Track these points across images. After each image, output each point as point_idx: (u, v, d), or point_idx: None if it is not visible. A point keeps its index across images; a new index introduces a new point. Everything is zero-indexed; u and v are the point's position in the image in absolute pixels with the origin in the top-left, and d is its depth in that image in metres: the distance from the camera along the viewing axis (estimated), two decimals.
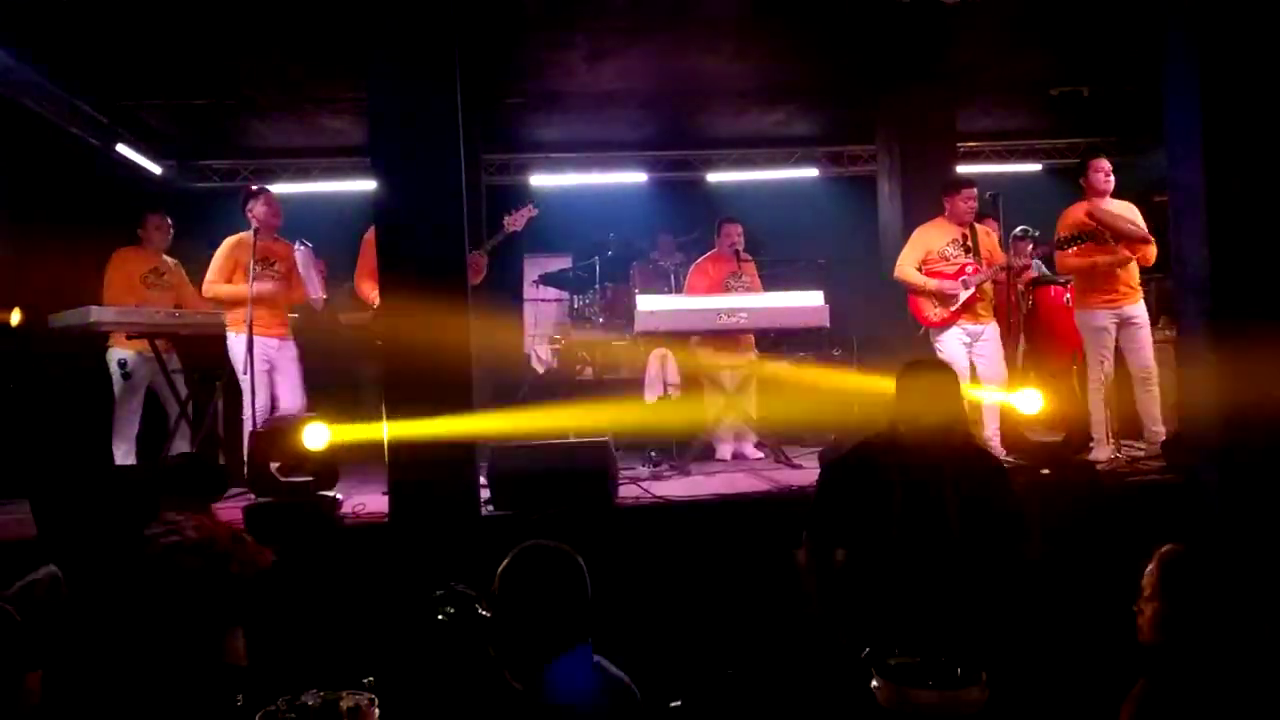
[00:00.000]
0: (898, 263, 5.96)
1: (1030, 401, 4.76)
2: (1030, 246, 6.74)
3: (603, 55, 6.70)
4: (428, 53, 4.22)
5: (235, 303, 5.54)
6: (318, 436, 4.28)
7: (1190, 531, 3.98)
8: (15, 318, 5.28)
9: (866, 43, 6.67)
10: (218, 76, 6.84)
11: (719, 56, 6.86)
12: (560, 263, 8.32)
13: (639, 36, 6.37)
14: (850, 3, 5.95)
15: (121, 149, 7.59)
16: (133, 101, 7.29)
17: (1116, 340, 5.62)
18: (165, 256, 6.13)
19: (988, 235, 5.95)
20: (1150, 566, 2.34)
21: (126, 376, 5.78)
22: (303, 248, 5.63)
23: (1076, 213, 5.66)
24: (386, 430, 4.28)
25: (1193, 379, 4.32)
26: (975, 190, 5.90)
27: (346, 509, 4.57)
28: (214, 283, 5.64)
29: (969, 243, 5.80)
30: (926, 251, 5.87)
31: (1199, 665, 2.17)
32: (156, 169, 8.20)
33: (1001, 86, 7.80)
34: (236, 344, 5.48)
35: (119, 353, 5.78)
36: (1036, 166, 9.47)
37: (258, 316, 5.38)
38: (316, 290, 5.67)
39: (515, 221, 5.91)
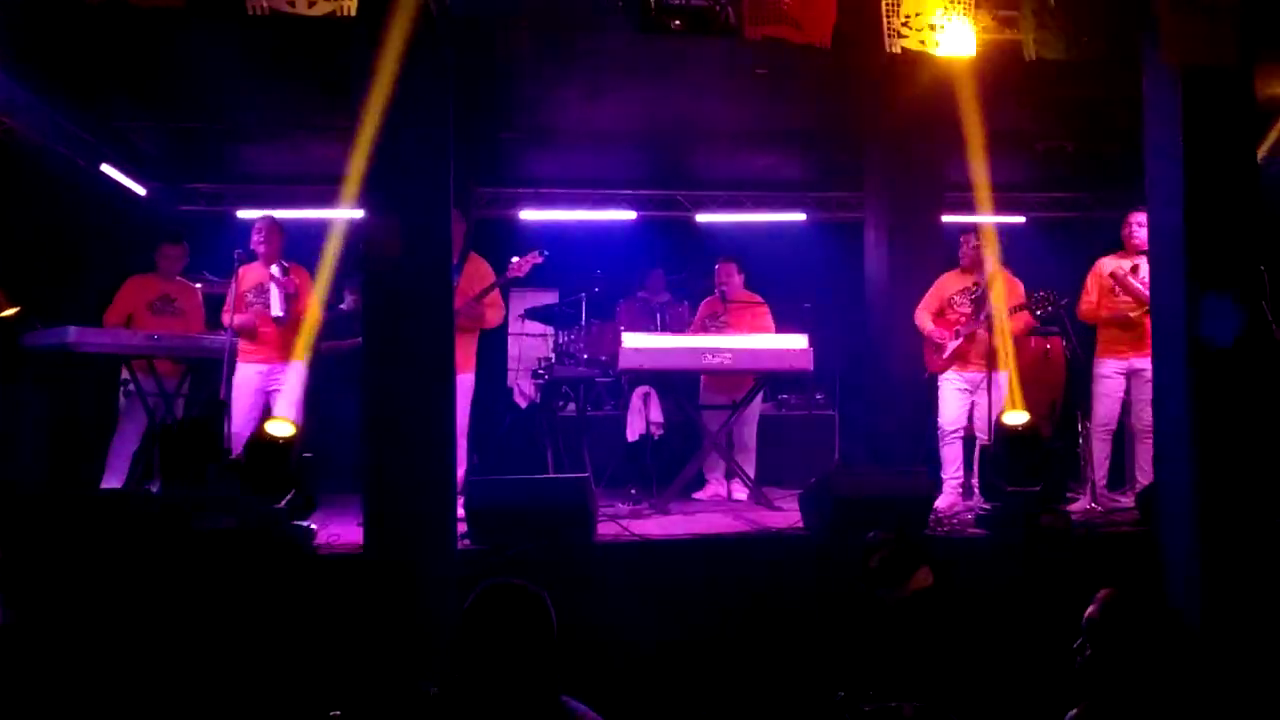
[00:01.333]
0: (918, 307, 6.19)
1: (1016, 417, 4.93)
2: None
3: (598, 94, 6.76)
4: (420, 84, 4.23)
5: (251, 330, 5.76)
6: (281, 428, 4.36)
7: (1150, 580, 4.02)
8: (9, 311, 5.38)
9: (856, 91, 6.76)
10: (208, 100, 6.84)
11: (712, 99, 6.93)
12: (547, 297, 8.32)
13: (635, 77, 6.43)
14: (841, 52, 6.02)
15: (107, 169, 7.56)
16: (121, 123, 7.29)
17: (1126, 391, 5.69)
18: (180, 281, 6.20)
19: (1005, 283, 5.94)
20: (1090, 609, 2.38)
21: (128, 396, 5.81)
22: (278, 270, 5.69)
23: (1103, 267, 5.80)
24: (365, 460, 4.24)
25: (1167, 433, 4.35)
26: (973, 236, 6.02)
27: (321, 539, 4.52)
28: (228, 313, 5.74)
29: (977, 293, 5.88)
30: (941, 299, 6.06)
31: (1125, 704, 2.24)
32: (142, 190, 8.16)
33: (988, 138, 7.90)
34: (241, 371, 5.66)
35: (125, 373, 5.83)
36: (1022, 218, 9.57)
37: (250, 347, 5.60)
38: (277, 308, 5.70)
39: (520, 267, 5.92)
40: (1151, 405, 5.29)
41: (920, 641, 3.01)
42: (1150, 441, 5.50)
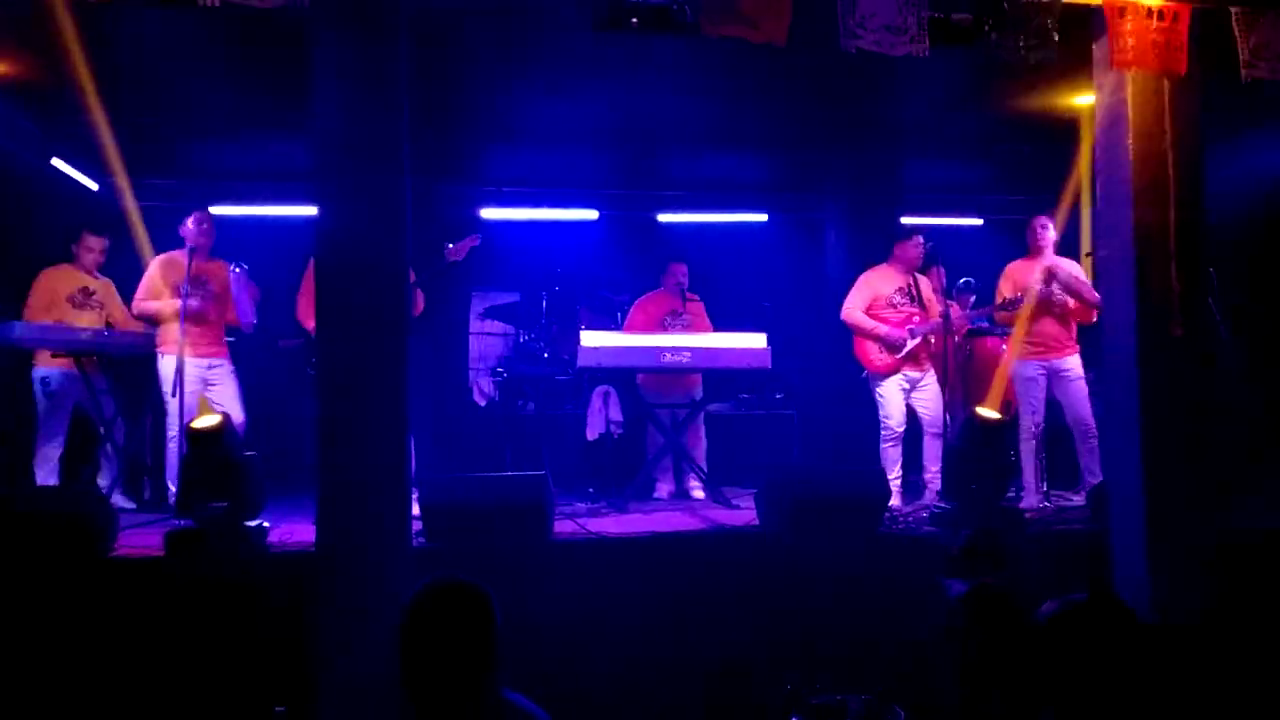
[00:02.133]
0: (845, 305, 6.10)
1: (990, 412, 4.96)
2: (972, 299, 6.94)
3: (558, 91, 6.74)
4: (376, 79, 4.19)
5: (164, 321, 5.44)
6: (204, 420, 4.30)
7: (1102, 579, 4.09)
8: None
9: (818, 93, 6.80)
10: (161, 94, 6.72)
11: (674, 99, 6.94)
12: (507, 297, 8.30)
13: (596, 75, 6.42)
14: (803, 53, 6.07)
15: (57, 163, 7.40)
16: (71, 116, 7.13)
17: (1050, 393, 5.76)
18: (98, 275, 6.01)
19: (927, 284, 6.09)
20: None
21: (50, 395, 5.63)
22: (238, 270, 5.56)
23: (1027, 270, 5.81)
24: (318, 457, 4.19)
25: (1116, 434, 4.42)
26: (923, 239, 6.06)
27: (274, 537, 4.47)
28: (142, 300, 5.56)
29: (913, 291, 5.95)
30: (874, 297, 6.02)
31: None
32: (94, 185, 8.01)
33: (947, 141, 7.99)
34: (165, 365, 5.39)
35: (42, 370, 5.65)
36: (979, 220, 9.68)
37: (190, 336, 5.33)
38: (248, 315, 5.61)
39: (457, 251, 5.85)
40: (1102, 404, 5.42)
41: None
42: (1094, 442, 5.61)
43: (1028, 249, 5.96)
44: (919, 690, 2.64)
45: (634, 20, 3.92)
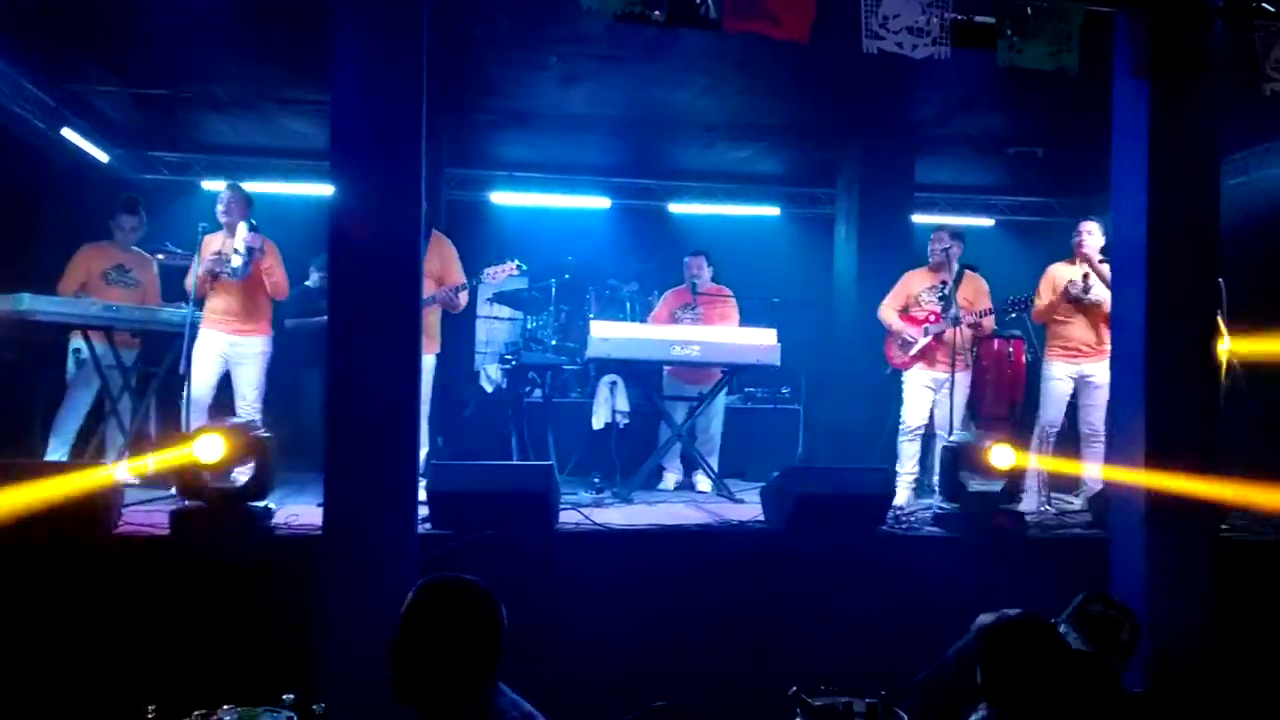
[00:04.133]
0: (882, 303, 6.20)
1: (1003, 457, 4.83)
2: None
3: (575, 79, 6.72)
4: (395, 62, 4.18)
5: (200, 296, 5.55)
6: (209, 449, 4.14)
7: (1107, 587, 4.09)
8: None
9: (834, 89, 6.78)
10: (176, 67, 6.69)
11: (690, 90, 6.92)
12: (516, 282, 8.28)
13: (612, 64, 6.40)
14: (820, 50, 6.05)
15: (68, 134, 7.39)
16: (84, 86, 7.11)
17: (1074, 397, 5.77)
18: (137, 251, 6.07)
19: (971, 283, 6.06)
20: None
21: (80, 365, 5.68)
22: (244, 225, 5.53)
23: (1066, 273, 5.82)
24: (327, 440, 4.19)
25: (1121, 439, 4.43)
26: (944, 234, 6.06)
27: (280, 519, 4.48)
28: (189, 276, 5.62)
29: (945, 290, 5.94)
30: (908, 296, 6.10)
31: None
32: (104, 157, 7.99)
33: (960, 141, 7.97)
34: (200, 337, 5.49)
35: (77, 342, 5.69)
36: (990, 220, 9.67)
37: (212, 310, 5.45)
38: (237, 260, 5.51)
39: (495, 275, 5.87)
40: (1105, 411, 5.41)
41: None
42: (1098, 446, 5.60)
43: (1071, 252, 5.93)
44: (926, 696, 2.64)
45: (656, 13, 3.89)
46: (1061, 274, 5.86)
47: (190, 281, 5.58)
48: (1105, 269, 5.74)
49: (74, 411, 5.72)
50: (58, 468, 5.05)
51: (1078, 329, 5.78)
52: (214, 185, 8.13)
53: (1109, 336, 5.72)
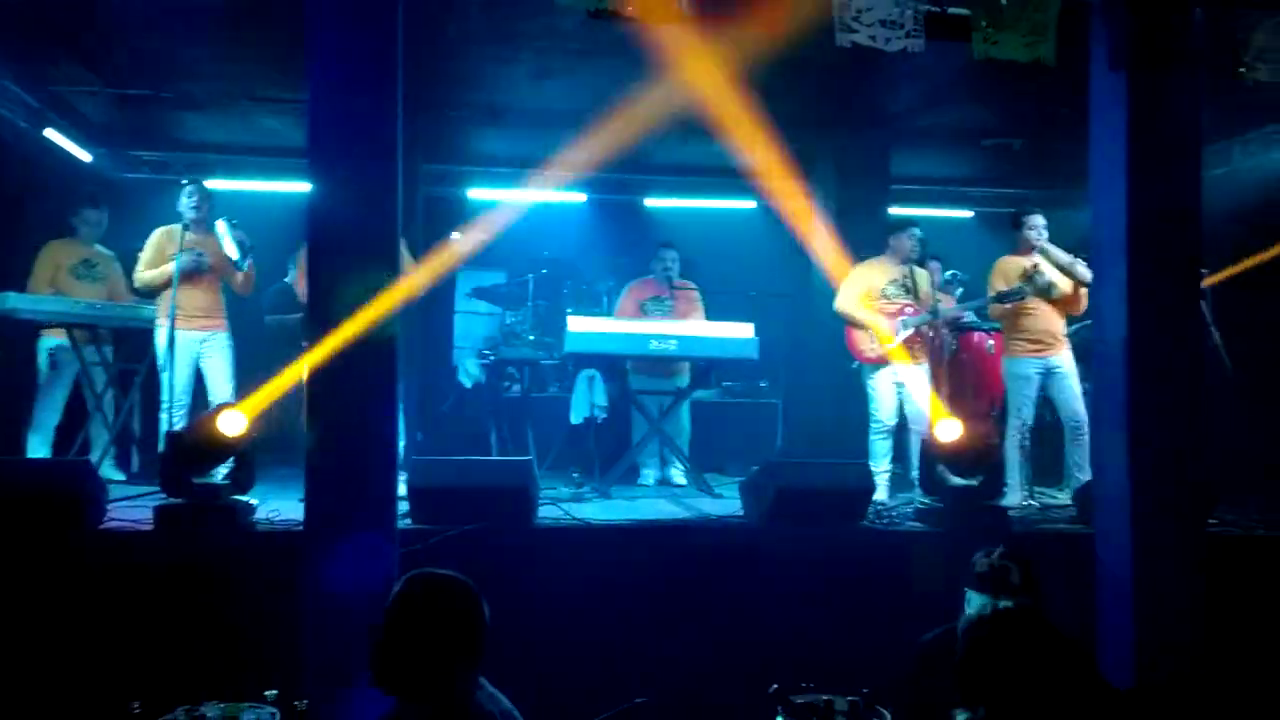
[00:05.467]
0: (839, 297, 6.04)
1: (949, 430, 4.86)
2: (959, 292, 6.94)
3: (548, 73, 6.71)
4: (371, 59, 4.17)
5: (162, 289, 5.48)
6: (233, 423, 4.20)
7: (1092, 582, 4.11)
8: None
9: (807, 83, 6.79)
10: (155, 67, 6.67)
11: (664, 86, 6.90)
12: (494, 277, 8.28)
13: (586, 58, 6.39)
14: (793, 44, 6.06)
15: (50, 134, 7.35)
16: (66, 87, 7.08)
17: (1043, 390, 5.77)
18: (99, 248, 6.04)
19: (927, 277, 6.07)
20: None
21: (54, 366, 5.66)
22: (222, 221, 5.54)
23: (1017, 264, 5.82)
24: (307, 436, 4.19)
25: (1105, 433, 4.43)
26: (918, 229, 6.02)
27: (261, 515, 4.48)
28: (141, 271, 5.57)
29: (909, 283, 5.91)
30: (867, 288, 5.97)
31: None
32: (87, 156, 7.96)
33: (936, 133, 8.00)
34: (160, 337, 5.43)
35: (51, 341, 5.68)
36: (968, 212, 9.72)
37: (182, 308, 5.37)
38: (233, 252, 5.55)
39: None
40: (1089, 404, 5.42)
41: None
42: (1084, 440, 5.57)
43: (1016, 244, 5.94)
44: (907, 691, 2.67)
45: (630, 9, 3.90)
46: (1013, 266, 5.84)
47: (149, 276, 5.54)
48: (1055, 251, 5.76)
49: (52, 409, 5.74)
50: (41, 464, 5.07)
51: (1041, 320, 5.73)
52: None
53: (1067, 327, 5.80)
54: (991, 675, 2.26)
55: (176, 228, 5.54)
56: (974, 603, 2.95)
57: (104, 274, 6.00)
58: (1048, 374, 5.72)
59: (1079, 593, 4.08)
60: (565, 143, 8.40)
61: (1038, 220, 5.82)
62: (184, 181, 5.79)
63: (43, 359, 5.75)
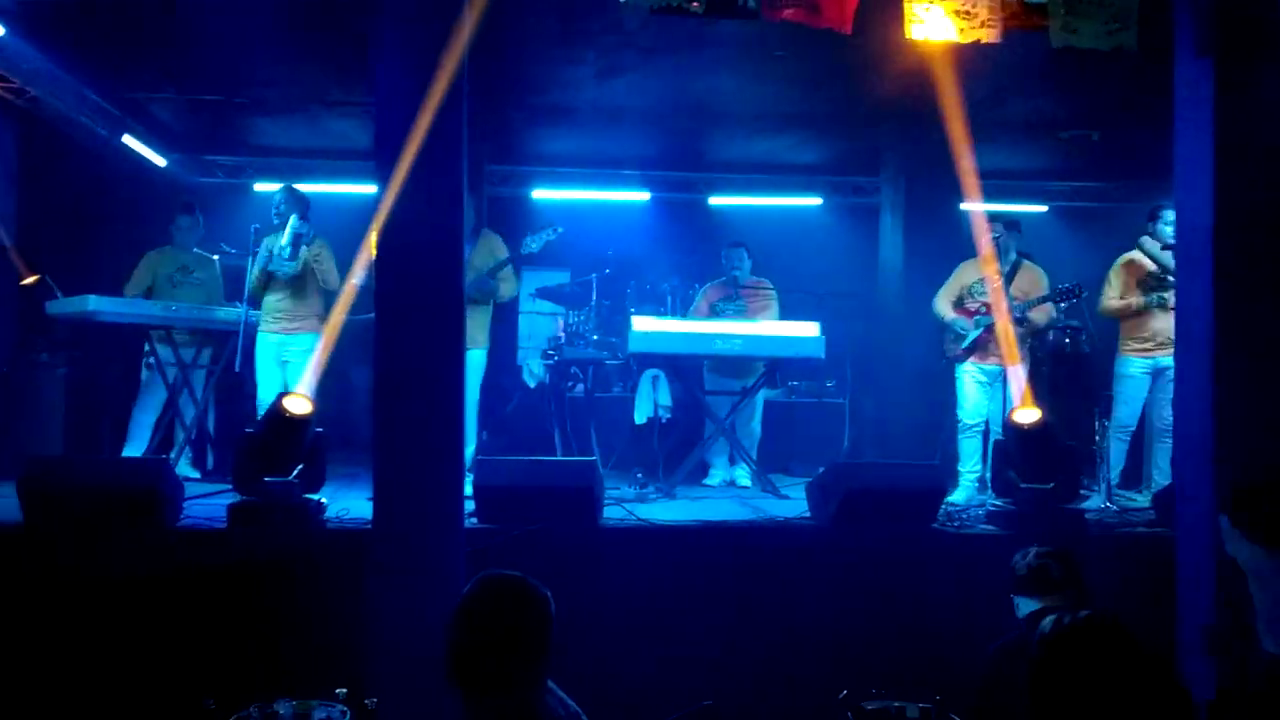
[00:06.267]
0: (936, 295, 6.07)
1: (1026, 416, 4.74)
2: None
3: (614, 72, 6.70)
4: (437, 63, 4.19)
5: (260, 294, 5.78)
6: (298, 404, 4.31)
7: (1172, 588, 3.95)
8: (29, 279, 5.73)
9: (876, 75, 6.67)
10: (228, 73, 6.83)
11: (729, 81, 6.86)
12: (558, 277, 8.30)
13: (652, 56, 6.37)
14: (861, 37, 5.96)
15: (128, 140, 7.58)
16: (142, 94, 7.30)
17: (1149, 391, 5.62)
18: (197, 251, 6.27)
19: (1028, 273, 5.93)
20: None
21: (149, 367, 5.91)
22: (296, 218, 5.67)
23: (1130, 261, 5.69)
24: (375, 436, 4.23)
25: (1190, 431, 4.27)
26: (996, 224, 5.90)
27: (332, 513, 4.53)
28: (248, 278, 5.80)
29: (998, 282, 5.79)
30: (961, 287, 5.95)
31: None
32: (162, 161, 8.19)
33: (1010, 125, 7.81)
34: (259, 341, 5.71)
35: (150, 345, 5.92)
36: (1043, 207, 9.46)
37: (266, 310, 5.68)
38: (286, 249, 5.69)
39: (534, 242, 5.93)
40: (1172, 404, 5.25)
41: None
42: (1170, 441, 5.42)
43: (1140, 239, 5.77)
44: (976, 700, 2.58)
45: (695, 5, 3.86)
46: (1137, 263, 5.68)
47: (247, 287, 5.72)
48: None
49: (144, 412, 5.97)
50: (121, 462, 5.22)
51: (1156, 320, 5.60)
52: (266, 187, 8.33)
53: None
54: (1066, 690, 2.17)
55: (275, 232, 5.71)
56: (1022, 608, 2.89)
57: (201, 279, 6.22)
58: (1157, 374, 5.60)
59: (1159, 599, 3.93)
60: (630, 142, 8.43)
61: (1171, 215, 5.63)
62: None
63: (144, 361, 6.03)
